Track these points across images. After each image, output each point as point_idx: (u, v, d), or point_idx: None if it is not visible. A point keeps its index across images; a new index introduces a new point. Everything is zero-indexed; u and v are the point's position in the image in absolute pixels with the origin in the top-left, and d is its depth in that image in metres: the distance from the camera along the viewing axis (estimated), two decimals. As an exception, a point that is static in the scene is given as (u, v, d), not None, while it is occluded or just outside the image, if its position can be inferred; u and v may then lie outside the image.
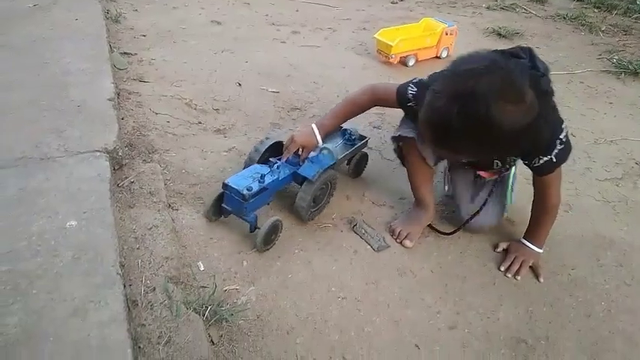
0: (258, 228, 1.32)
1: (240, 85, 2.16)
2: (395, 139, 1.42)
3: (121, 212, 1.31)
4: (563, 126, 1.20)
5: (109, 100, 1.70)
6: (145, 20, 2.69)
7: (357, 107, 1.46)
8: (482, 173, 1.43)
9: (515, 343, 1.18)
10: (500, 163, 1.35)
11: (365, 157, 1.66)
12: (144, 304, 1.07)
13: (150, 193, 1.42)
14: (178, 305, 1.08)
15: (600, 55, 2.83)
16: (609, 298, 1.32)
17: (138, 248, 1.22)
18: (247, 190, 1.29)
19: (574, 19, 3.32)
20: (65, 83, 1.76)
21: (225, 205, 1.35)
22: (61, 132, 1.49)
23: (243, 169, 1.45)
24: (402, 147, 1.45)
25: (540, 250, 1.40)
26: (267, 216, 1.37)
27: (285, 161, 1.43)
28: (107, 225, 1.17)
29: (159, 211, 1.36)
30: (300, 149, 1.44)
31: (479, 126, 0.97)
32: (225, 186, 1.33)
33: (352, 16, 3.10)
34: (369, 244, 1.41)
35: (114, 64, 2.06)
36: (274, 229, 1.33)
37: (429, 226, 1.49)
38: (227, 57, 2.40)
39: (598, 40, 3.05)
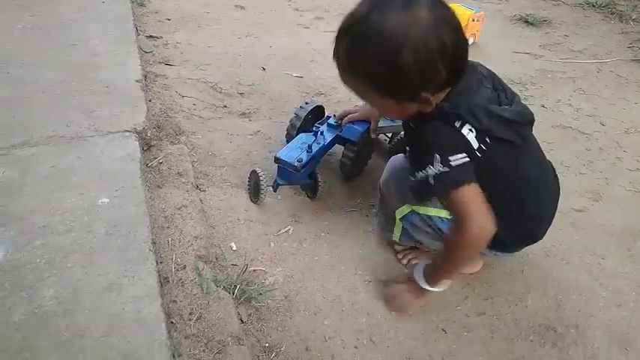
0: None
1: (264, 69, 2.15)
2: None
3: (151, 192, 1.33)
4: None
5: (137, 81, 1.71)
6: (169, 4, 2.68)
7: None
8: None
9: (544, 330, 1.17)
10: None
11: None
12: (175, 281, 1.09)
13: (178, 173, 1.43)
14: (208, 283, 1.09)
15: (631, 44, 2.75)
16: (640, 288, 1.29)
17: (168, 227, 1.23)
18: (298, 161, 1.37)
19: (604, 7, 3.22)
20: (93, 64, 1.77)
21: (279, 178, 1.42)
22: (91, 112, 1.51)
23: (286, 136, 1.58)
24: None
25: (431, 289, 1.13)
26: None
27: (328, 125, 1.52)
28: (139, 203, 1.18)
29: (187, 191, 1.37)
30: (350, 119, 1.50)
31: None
32: (277, 160, 1.39)
33: (376, 2, 3.06)
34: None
35: (140, 46, 2.07)
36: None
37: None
38: (251, 41, 2.39)
39: (629, 28, 2.96)
